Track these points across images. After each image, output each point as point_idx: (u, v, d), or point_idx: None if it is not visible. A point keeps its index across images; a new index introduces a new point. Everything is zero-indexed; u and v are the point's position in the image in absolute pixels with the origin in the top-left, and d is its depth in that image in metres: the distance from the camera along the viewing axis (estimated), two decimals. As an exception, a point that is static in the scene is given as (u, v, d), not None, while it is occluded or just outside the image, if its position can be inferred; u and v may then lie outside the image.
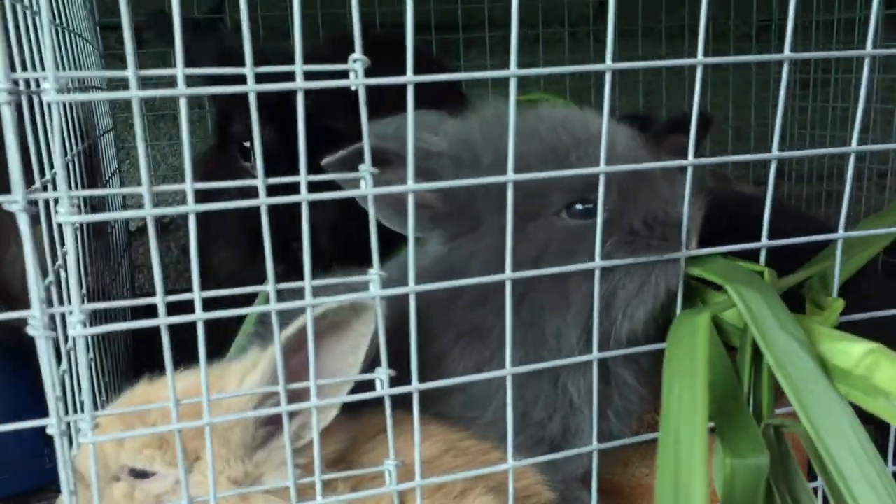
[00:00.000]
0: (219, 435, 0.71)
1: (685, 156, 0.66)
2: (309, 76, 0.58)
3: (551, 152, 0.79)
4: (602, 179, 0.63)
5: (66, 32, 1.11)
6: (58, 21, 1.04)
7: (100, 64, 1.77)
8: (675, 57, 0.61)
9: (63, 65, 1.00)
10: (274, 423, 0.72)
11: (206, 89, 0.57)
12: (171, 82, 0.55)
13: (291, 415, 0.68)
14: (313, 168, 0.60)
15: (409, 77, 0.58)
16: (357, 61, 0.59)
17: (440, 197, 0.82)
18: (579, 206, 0.79)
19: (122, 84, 1.38)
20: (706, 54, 0.63)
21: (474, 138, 0.82)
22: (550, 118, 0.82)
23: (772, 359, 0.61)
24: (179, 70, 0.55)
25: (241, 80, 0.56)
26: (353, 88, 0.59)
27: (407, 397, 0.63)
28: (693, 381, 0.62)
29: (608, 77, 0.60)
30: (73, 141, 1.00)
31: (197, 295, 0.58)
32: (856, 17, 2.01)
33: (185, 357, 0.70)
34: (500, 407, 0.80)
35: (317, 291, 0.62)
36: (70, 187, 0.96)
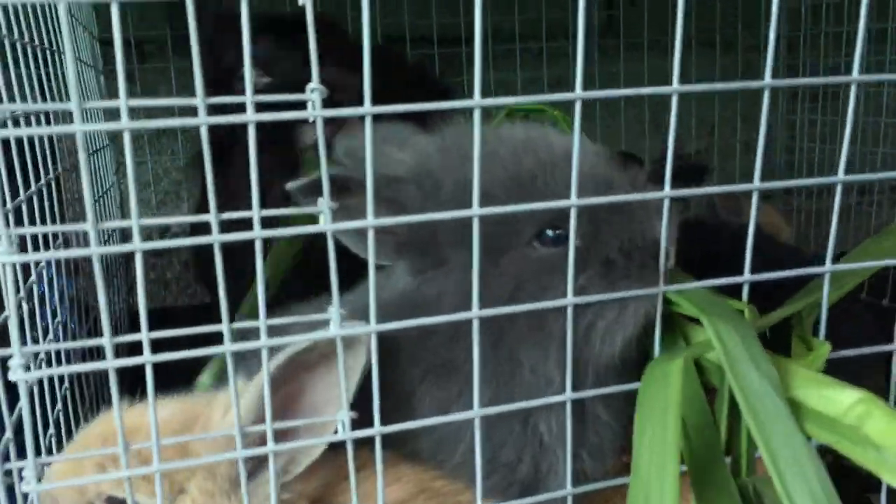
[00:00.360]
0: (204, 468, 0.70)
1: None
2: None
3: (514, 179, 0.75)
4: (573, 213, 0.59)
5: (48, 53, 1.09)
6: (36, 42, 1.02)
7: (98, 81, 1.76)
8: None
9: (37, 90, 0.98)
10: (260, 456, 0.70)
11: (152, 122, 0.54)
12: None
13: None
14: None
15: (367, 108, 0.56)
16: (315, 91, 0.56)
17: (404, 226, 0.77)
18: (549, 233, 0.75)
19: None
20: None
21: (434, 166, 0.78)
22: (511, 140, 0.78)
23: (741, 397, 0.59)
24: (122, 101, 0.53)
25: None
26: (310, 120, 0.56)
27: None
28: (664, 429, 0.59)
29: (577, 106, 0.57)
30: (41, 171, 0.98)
31: (145, 336, 0.56)
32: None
33: (170, 380, 0.68)
34: (468, 449, 0.77)
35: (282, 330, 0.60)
36: (34, 222, 0.95)
